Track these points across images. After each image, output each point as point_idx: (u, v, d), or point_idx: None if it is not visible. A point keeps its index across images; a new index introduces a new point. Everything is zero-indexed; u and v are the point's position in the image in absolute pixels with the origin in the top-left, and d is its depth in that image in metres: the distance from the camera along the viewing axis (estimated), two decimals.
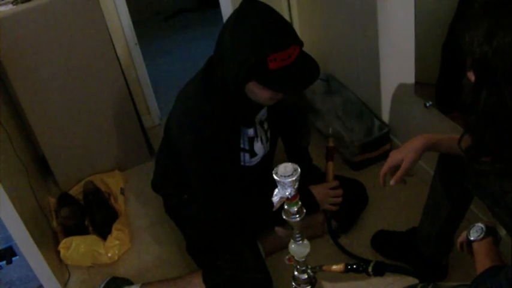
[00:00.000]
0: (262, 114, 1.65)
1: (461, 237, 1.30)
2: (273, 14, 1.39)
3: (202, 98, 1.51)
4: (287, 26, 1.40)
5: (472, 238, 1.21)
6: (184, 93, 1.58)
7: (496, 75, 0.89)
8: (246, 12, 1.39)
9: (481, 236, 1.19)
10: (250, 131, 1.62)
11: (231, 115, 1.51)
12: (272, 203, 1.51)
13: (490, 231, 1.20)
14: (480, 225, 1.22)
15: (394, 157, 1.40)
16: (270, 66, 1.35)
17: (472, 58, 0.93)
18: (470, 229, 1.23)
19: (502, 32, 0.87)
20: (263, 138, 1.68)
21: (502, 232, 1.30)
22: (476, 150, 1.00)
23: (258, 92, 1.43)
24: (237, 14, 1.40)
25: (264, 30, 1.35)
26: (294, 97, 1.70)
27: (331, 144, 1.86)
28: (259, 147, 1.67)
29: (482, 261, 1.14)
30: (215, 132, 1.49)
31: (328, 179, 1.80)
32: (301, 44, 1.42)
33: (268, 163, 1.80)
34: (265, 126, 1.69)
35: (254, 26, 1.36)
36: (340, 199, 1.76)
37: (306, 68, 1.45)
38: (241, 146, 1.62)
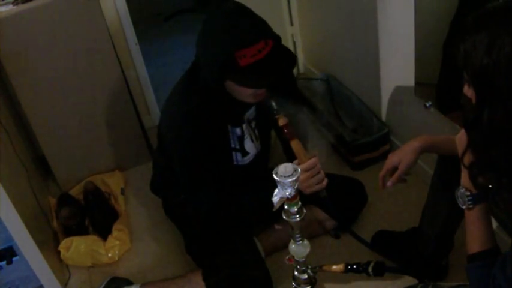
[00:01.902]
0: (251, 113, 1.66)
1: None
2: (240, 11, 1.39)
3: (184, 98, 1.53)
4: (256, 22, 1.39)
5: (463, 207, 1.12)
6: (171, 95, 1.60)
7: (499, 89, 0.86)
8: (214, 11, 1.40)
9: (471, 206, 1.09)
10: (238, 130, 1.62)
11: (215, 114, 1.52)
12: (266, 198, 1.51)
13: (477, 199, 1.09)
14: (466, 193, 1.09)
15: (391, 159, 1.41)
16: (241, 64, 1.35)
17: (471, 73, 0.90)
18: (457, 193, 1.11)
19: (501, 43, 0.84)
20: (252, 137, 1.68)
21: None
22: (481, 167, 0.98)
23: (237, 90, 1.45)
24: (206, 15, 1.42)
25: (231, 27, 1.36)
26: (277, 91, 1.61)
27: (282, 122, 1.53)
28: (250, 146, 1.67)
29: (473, 230, 1.10)
30: (196, 132, 1.50)
31: (300, 160, 1.54)
32: (275, 38, 1.41)
33: (262, 162, 1.80)
34: (253, 125, 1.69)
35: (221, 24, 1.37)
36: (323, 173, 1.55)
37: (280, 60, 1.44)
38: (232, 145, 1.63)
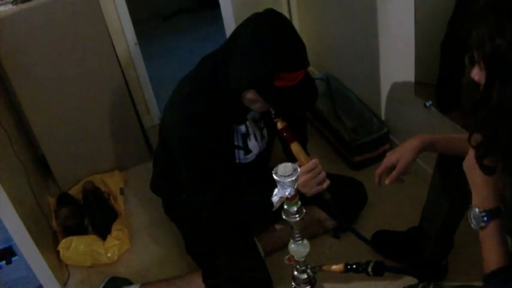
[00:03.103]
0: (256, 112, 1.66)
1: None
2: (293, 33, 1.41)
3: (189, 98, 1.53)
4: (302, 48, 1.42)
5: (475, 228, 1.11)
6: (175, 94, 1.60)
7: (511, 68, 0.87)
8: (269, 23, 1.39)
9: (483, 224, 1.08)
10: (242, 128, 1.62)
11: (221, 114, 1.52)
12: (266, 197, 1.52)
13: (492, 215, 1.08)
14: (480, 211, 1.08)
15: (390, 157, 1.40)
16: (276, 83, 1.37)
17: (482, 53, 0.91)
18: (470, 215, 1.11)
19: None
20: (257, 135, 1.68)
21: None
22: (487, 148, 0.98)
23: (253, 99, 1.45)
24: (258, 21, 1.41)
25: (282, 49, 1.36)
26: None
27: (281, 125, 1.54)
28: (253, 145, 1.67)
29: (488, 254, 1.08)
30: (202, 131, 1.50)
31: (300, 162, 1.54)
32: (308, 65, 1.44)
33: (264, 161, 1.80)
34: (261, 124, 1.69)
35: (273, 41, 1.37)
36: (324, 174, 1.54)
37: (307, 92, 1.47)
38: (235, 143, 1.63)
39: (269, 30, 1.38)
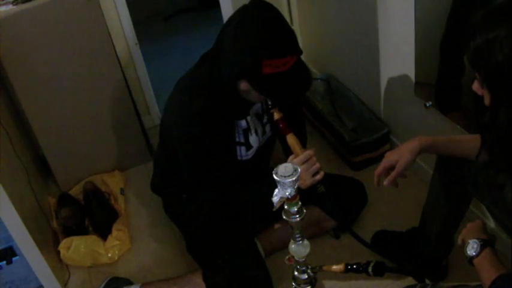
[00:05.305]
0: (258, 107, 1.66)
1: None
2: (278, 20, 1.40)
3: (191, 95, 1.52)
4: (289, 35, 1.41)
5: (470, 255, 1.16)
6: (175, 92, 1.59)
7: None
8: (253, 12, 1.40)
9: (478, 250, 1.14)
10: (243, 123, 1.62)
11: (222, 109, 1.52)
12: (266, 197, 1.52)
13: (485, 243, 1.15)
14: (474, 240, 1.16)
15: (389, 158, 1.40)
16: (264, 71, 1.37)
17: (484, 72, 0.87)
18: (466, 247, 1.18)
19: None
20: (258, 130, 1.68)
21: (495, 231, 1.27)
22: (497, 167, 0.97)
23: (246, 90, 1.45)
24: (244, 12, 1.41)
25: (266, 35, 1.36)
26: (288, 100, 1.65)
27: (277, 115, 1.56)
28: (253, 139, 1.67)
29: (488, 274, 1.10)
30: (203, 129, 1.50)
31: (295, 154, 1.54)
32: (300, 53, 1.43)
33: (264, 159, 1.80)
34: (265, 119, 1.69)
35: (257, 29, 1.37)
36: (318, 165, 1.52)
37: (299, 78, 1.47)
38: (237, 139, 1.63)
39: (253, 19, 1.39)
